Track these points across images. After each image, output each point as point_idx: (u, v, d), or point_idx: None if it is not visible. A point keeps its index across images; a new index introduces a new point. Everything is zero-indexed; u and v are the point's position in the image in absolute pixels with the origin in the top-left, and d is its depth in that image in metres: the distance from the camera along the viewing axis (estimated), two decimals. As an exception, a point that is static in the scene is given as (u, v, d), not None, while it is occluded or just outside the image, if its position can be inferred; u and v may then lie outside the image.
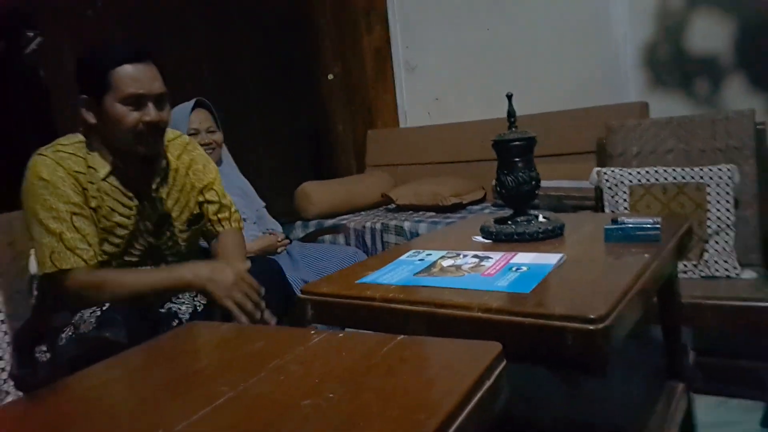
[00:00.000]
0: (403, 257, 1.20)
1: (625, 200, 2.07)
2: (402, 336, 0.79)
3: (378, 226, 2.83)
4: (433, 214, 2.94)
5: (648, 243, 1.15)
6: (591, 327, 0.79)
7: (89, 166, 1.41)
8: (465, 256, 1.16)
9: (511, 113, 1.32)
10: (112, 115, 1.35)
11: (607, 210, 2.11)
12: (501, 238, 1.28)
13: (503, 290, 0.94)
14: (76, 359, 1.20)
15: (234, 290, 1.38)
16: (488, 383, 0.66)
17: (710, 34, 2.77)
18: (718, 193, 1.98)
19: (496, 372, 0.68)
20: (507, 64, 3.29)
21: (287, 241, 2.15)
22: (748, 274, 1.90)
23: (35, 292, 1.46)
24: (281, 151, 4.12)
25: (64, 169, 1.37)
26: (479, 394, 0.63)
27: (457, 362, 0.70)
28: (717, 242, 1.96)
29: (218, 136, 2.18)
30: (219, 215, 1.64)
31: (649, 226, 1.17)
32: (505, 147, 1.29)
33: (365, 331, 0.83)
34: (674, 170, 2.04)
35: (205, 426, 0.59)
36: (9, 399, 1.25)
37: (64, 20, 3.57)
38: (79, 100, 1.38)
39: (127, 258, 1.49)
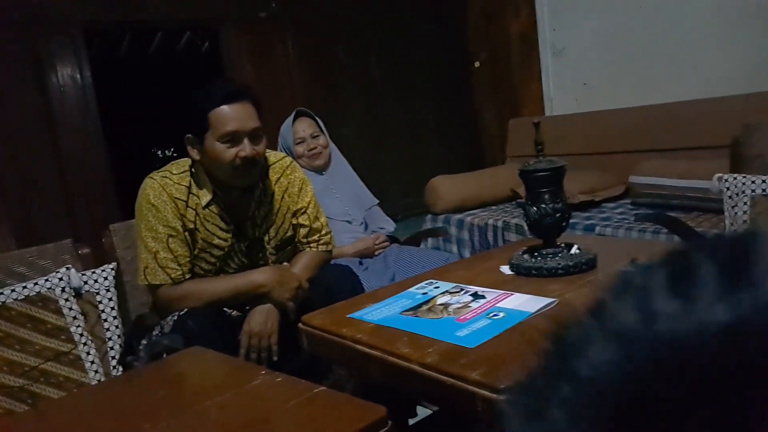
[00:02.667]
0: (411, 288, 1.25)
1: (745, 212, 1.81)
2: (320, 388, 0.87)
3: (500, 223, 2.80)
4: (562, 211, 2.82)
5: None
6: (498, 397, 0.79)
7: (192, 194, 1.64)
8: (465, 292, 1.17)
9: (538, 141, 1.26)
10: (212, 152, 1.54)
11: (726, 221, 1.87)
12: (521, 272, 1.25)
13: (455, 342, 0.95)
14: (154, 357, 1.47)
15: (289, 293, 1.55)
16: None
17: None
18: None
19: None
20: (662, 46, 2.97)
21: (386, 243, 2.25)
22: None
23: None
24: (427, 142, 4.21)
25: (168, 194, 1.61)
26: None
27: (335, 422, 0.77)
28: None
29: (323, 140, 2.34)
30: (308, 238, 1.80)
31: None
32: (531, 177, 1.25)
33: (296, 378, 0.91)
34: (813, 180, 1.73)
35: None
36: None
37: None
38: (185, 138, 1.60)
39: (222, 275, 1.71)
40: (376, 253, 2.23)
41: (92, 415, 0.95)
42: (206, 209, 1.62)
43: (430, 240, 3.12)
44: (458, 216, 3.02)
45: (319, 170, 2.36)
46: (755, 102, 2.51)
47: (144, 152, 7.49)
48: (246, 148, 1.52)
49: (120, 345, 1.60)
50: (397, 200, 4.13)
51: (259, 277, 1.59)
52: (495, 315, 1.04)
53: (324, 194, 2.34)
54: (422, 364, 0.90)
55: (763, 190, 1.80)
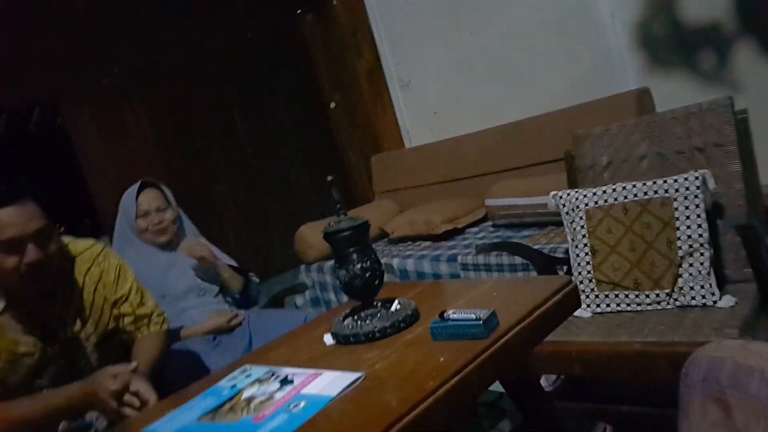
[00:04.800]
0: (222, 381, 1.13)
1: (582, 226, 1.84)
2: None
3: (369, 266, 2.74)
4: (429, 244, 2.80)
5: (476, 339, 1.00)
6: None
7: None
8: (276, 378, 1.07)
9: (337, 200, 1.20)
10: None
11: (568, 237, 1.89)
12: (340, 341, 1.17)
13: (243, 451, 0.84)
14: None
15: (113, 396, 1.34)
16: None
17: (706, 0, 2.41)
18: (686, 207, 1.70)
19: None
20: (497, 68, 3.07)
21: (239, 319, 2.11)
22: (726, 302, 1.61)
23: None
24: (299, 188, 4.13)
25: None
26: None
27: None
28: (691, 264, 1.68)
29: (170, 214, 2.19)
30: (135, 325, 1.64)
31: (471, 322, 1.01)
32: (335, 238, 1.18)
33: None
34: (634, 185, 1.78)
35: None
36: None
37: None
38: None
39: (38, 382, 1.51)
40: (233, 324, 2.09)
41: None
42: (1, 317, 1.43)
43: (308, 293, 3.01)
44: (330, 263, 2.93)
45: (163, 246, 2.19)
46: (584, 111, 2.62)
47: None
48: (30, 254, 1.35)
49: None
50: (280, 252, 4.01)
51: (75, 387, 1.40)
52: (295, 406, 0.94)
53: (169, 271, 2.18)
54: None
55: (596, 202, 1.83)
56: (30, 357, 1.47)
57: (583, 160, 2.07)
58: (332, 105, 3.72)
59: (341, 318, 1.22)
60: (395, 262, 2.65)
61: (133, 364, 1.37)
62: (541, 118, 2.84)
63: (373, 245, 3.04)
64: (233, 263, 2.29)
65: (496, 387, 1.51)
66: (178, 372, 1.63)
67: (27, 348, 1.46)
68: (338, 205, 1.18)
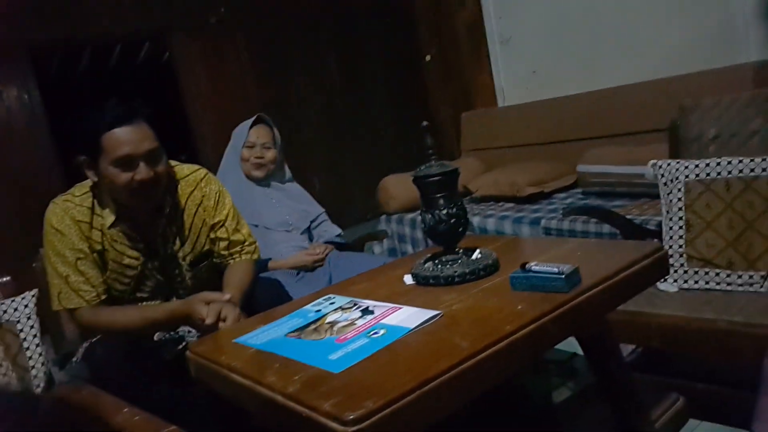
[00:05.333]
0: (307, 306, 1.20)
1: (680, 198, 1.77)
2: (172, 427, 0.81)
3: (450, 220, 2.75)
4: (512, 205, 2.77)
5: (556, 292, 1.01)
6: (345, 430, 0.75)
7: (96, 215, 1.59)
8: (357, 308, 1.12)
9: (429, 145, 1.21)
10: (107, 176, 1.48)
11: (663, 208, 1.82)
12: (420, 282, 1.21)
13: (323, 367, 0.90)
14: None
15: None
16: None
17: None
18: (796, 188, 1.60)
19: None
20: (605, 28, 2.93)
21: (320, 258, 2.19)
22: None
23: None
24: (385, 139, 4.16)
25: (71, 218, 1.56)
26: None
27: None
28: (794, 249, 1.59)
29: (271, 154, 2.29)
30: (229, 250, 1.74)
31: (553, 275, 1.02)
32: (424, 182, 1.20)
33: (152, 417, 0.86)
34: (741, 161, 1.68)
35: None
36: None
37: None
38: (80, 160, 1.55)
39: (138, 294, 1.66)
40: (315, 265, 2.18)
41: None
42: (112, 229, 1.57)
43: (386, 242, 3.07)
44: (411, 215, 2.97)
45: (257, 180, 2.31)
46: (694, 81, 2.48)
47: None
48: (142, 172, 1.47)
49: (44, 374, 1.56)
50: (361, 201, 4.09)
51: (175, 304, 1.54)
52: (375, 333, 0.99)
53: (262, 204, 2.29)
54: (284, 394, 0.86)
55: (697, 175, 1.75)
56: (133, 269, 1.61)
57: (689, 131, 1.97)
58: (427, 58, 3.69)
59: (422, 261, 1.25)
60: (476, 220, 2.66)
61: (227, 295, 1.48)
62: (645, 84, 2.71)
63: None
64: (336, 235, 2.37)
65: (569, 347, 1.51)
66: (265, 298, 1.73)
67: (131, 260, 1.60)
68: (430, 151, 1.20)
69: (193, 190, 1.69)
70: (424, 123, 1.21)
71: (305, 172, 4.00)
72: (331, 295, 1.23)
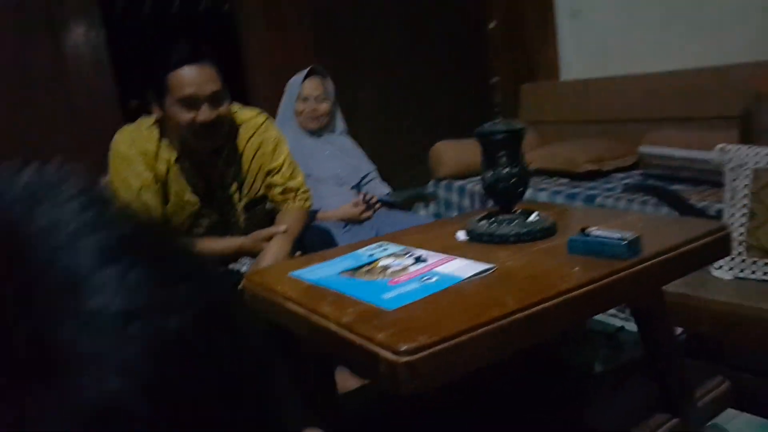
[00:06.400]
0: (360, 250, 1.22)
1: (746, 185, 1.71)
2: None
3: (500, 191, 2.73)
4: (566, 181, 2.73)
5: (615, 258, 1.00)
6: (398, 359, 0.76)
7: (162, 147, 1.63)
8: (410, 255, 1.14)
9: (497, 102, 1.20)
10: (171, 115, 1.53)
11: (726, 194, 1.77)
12: (473, 238, 1.21)
13: (376, 304, 0.92)
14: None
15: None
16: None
17: None
18: None
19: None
20: (683, 8, 2.80)
21: (373, 209, 2.22)
22: None
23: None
24: (441, 106, 4.11)
25: (138, 147, 1.61)
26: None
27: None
28: None
29: (325, 106, 2.30)
30: (283, 196, 1.78)
31: (614, 241, 1.00)
32: (487, 139, 1.19)
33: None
34: (818, 152, 1.61)
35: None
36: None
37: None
38: (147, 96, 1.59)
39: (195, 230, 1.71)
40: (363, 217, 2.21)
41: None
42: (176, 164, 1.61)
43: (432, 207, 3.07)
44: (460, 182, 2.96)
45: (310, 132, 2.33)
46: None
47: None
48: (204, 113, 1.50)
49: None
50: (411, 165, 4.07)
51: (242, 240, 1.61)
52: (428, 279, 1.00)
53: (315, 156, 2.31)
54: (338, 324, 0.88)
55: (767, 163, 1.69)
56: (192, 205, 1.65)
57: (763, 119, 1.89)
58: (492, 24, 3.61)
59: (477, 218, 1.25)
60: (528, 192, 2.62)
61: (283, 227, 1.54)
62: (717, 69, 2.60)
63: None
64: (386, 194, 2.38)
65: (616, 321, 1.50)
66: (313, 246, 1.76)
67: (191, 197, 1.65)
68: (497, 108, 1.19)
69: (253, 134, 1.72)
70: (495, 78, 1.20)
71: (358, 133, 3.99)
72: (384, 242, 1.25)
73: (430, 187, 3.09)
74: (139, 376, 0.15)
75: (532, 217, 1.21)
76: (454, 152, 3.04)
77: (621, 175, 2.73)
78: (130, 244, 0.18)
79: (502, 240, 1.16)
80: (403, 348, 0.76)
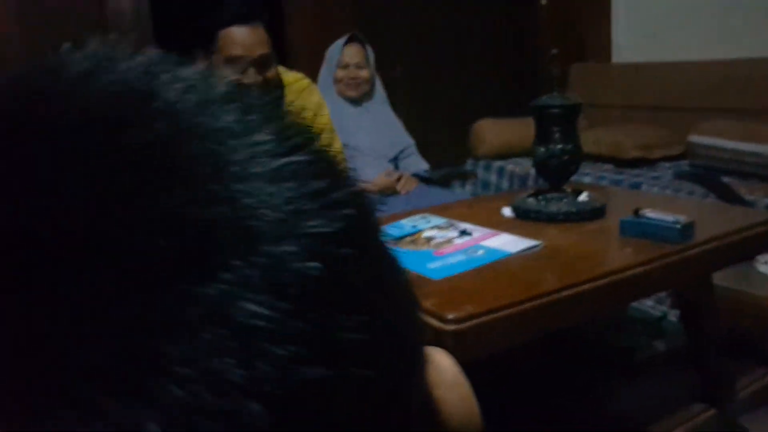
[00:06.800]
0: (404, 220, 1.22)
1: (801, 180, 1.65)
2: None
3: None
4: (611, 166, 2.67)
5: (666, 242, 0.97)
6: (444, 327, 0.76)
7: None
8: (454, 228, 1.13)
9: (555, 75, 1.17)
10: None
11: (781, 188, 1.71)
12: (520, 215, 1.19)
13: (422, 273, 0.92)
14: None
15: None
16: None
17: None
18: None
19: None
20: (745, -5, 2.69)
21: (411, 184, 2.21)
22: None
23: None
24: (482, 83, 4.05)
25: None
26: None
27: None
28: None
29: (365, 73, 2.29)
30: None
31: (667, 224, 0.98)
32: (542, 113, 1.17)
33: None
34: None
35: None
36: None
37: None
38: (197, 53, 1.59)
39: None
40: (400, 191, 2.20)
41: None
42: None
43: (469, 187, 3.04)
44: (499, 163, 2.92)
45: (351, 101, 2.32)
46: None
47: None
48: (250, 76, 1.48)
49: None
50: (448, 142, 4.03)
51: None
52: (474, 252, 0.99)
53: (353, 125, 2.30)
54: (382, 291, 0.88)
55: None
56: None
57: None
58: (543, 1, 3.52)
59: (525, 196, 1.23)
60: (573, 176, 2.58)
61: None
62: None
63: (551, 155, 2.98)
64: (424, 170, 2.36)
65: (658, 311, 1.47)
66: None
67: None
68: (555, 81, 1.16)
69: (295, 99, 1.72)
70: (554, 51, 1.17)
71: (396, 108, 3.97)
72: (428, 215, 1.24)
73: (468, 165, 3.06)
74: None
75: (582, 197, 1.19)
76: (496, 131, 3.00)
77: (668, 164, 2.66)
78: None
79: (551, 218, 1.14)
80: (451, 317, 0.76)
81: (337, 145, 1.80)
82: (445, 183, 2.44)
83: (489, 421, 0.24)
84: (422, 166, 2.38)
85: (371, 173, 2.25)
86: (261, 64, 1.52)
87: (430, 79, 4.20)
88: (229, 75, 1.48)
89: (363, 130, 2.31)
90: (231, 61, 1.49)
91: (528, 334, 0.82)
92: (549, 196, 1.19)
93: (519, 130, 3.08)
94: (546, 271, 0.90)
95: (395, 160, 2.36)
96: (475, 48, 4.19)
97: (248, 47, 1.49)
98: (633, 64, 3.15)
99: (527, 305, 0.78)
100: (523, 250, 0.98)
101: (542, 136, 1.18)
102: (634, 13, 3.18)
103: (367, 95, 2.35)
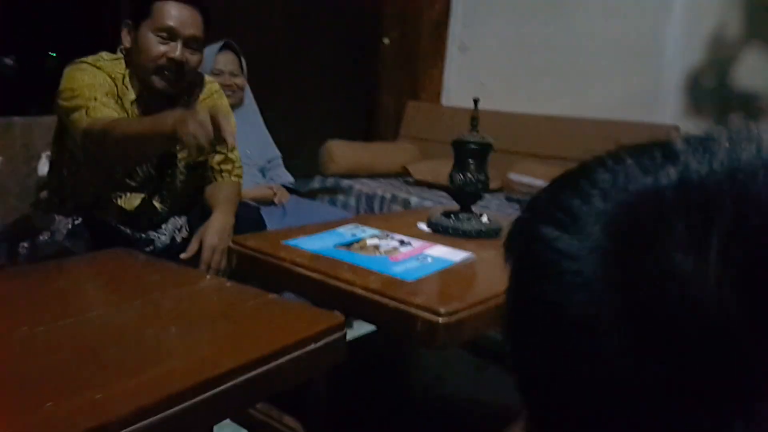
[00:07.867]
0: (339, 228, 1.34)
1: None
2: (273, 295, 0.92)
3: (388, 195, 2.95)
4: (443, 193, 3.04)
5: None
6: (439, 319, 0.91)
7: (123, 85, 1.55)
8: (392, 238, 1.28)
9: (474, 117, 1.40)
10: (142, 43, 1.48)
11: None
12: (438, 230, 1.39)
13: (394, 275, 1.06)
14: (41, 259, 1.40)
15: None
16: (313, 345, 0.79)
17: (756, 71, 2.70)
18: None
19: (328, 338, 0.81)
20: (558, 64, 3.29)
21: (282, 197, 2.29)
22: None
23: (40, 194, 1.67)
24: (322, 106, 4.23)
25: (105, 73, 1.50)
26: (298, 352, 0.77)
27: (294, 323, 0.84)
28: None
29: (240, 80, 2.32)
30: (222, 166, 1.79)
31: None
32: (463, 148, 1.39)
33: (246, 285, 0.96)
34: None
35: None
36: None
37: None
38: (124, 22, 1.53)
39: (128, 180, 1.65)
40: (276, 202, 2.26)
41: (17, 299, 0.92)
42: (133, 105, 1.57)
43: (326, 200, 3.19)
44: (348, 181, 3.12)
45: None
46: (620, 127, 2.91)
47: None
48: (176, 50, 1.49)
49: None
50: (292, 160, 4.10)
51: (168, 117, 1.35)
52: (424, 259, 1.16)
53: (226, 132, 2.31)
54: (366, 288, 1.00)
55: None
56: None
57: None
58: (386, 41, 3.85)
59: (440, 214, 1.43)
60: (413, 200, 2.88)
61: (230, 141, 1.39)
62: (582, 120, 3.11)
63: (392, 180, 3.26)
64: (290, 182, 2.44)
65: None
66: (242, 223, 1.79)
67: None
68: (474, 121, 1.39)
69: (207, 98, 1.73)
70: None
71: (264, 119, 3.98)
72: (358, 224, 1.37)
73: (315, 181, 3.21)
74: None
75: (485, 219, 1.43)
76: (346, 152, 3.21)
77: (488, 196, 3.11)
78: None
79: (466, 234, 1.35)
80: (443, 310, 0.91)
81: (237, 153, 1.83)
82: (312, 196, 2.55)
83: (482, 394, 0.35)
84: (289, 178, 2.47)
85: (246, 181, 2.27)
86: (190, 45, 1.52)
87: (278, 102, 4.25)
88: (155, 44, 1.45)
89: (237, 138, 2.33)
90: (161, 30, 1.48)
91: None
92: (461, 216, 1.41)
93: (364, 154, 3.34)
94: (498, 273, 1.10)
95: (263, 169, 2.42)
96: (320, 77, 4.35)
97: (182, 22, 1.49)
98: (461, 109, 3.61)
99: (502, 298, 0.97)
100: (463, 260, 1.17)
101: (460, 165, 1.40)
102: (465, 65, 3.65)
103: (240, 103, 2.38)
